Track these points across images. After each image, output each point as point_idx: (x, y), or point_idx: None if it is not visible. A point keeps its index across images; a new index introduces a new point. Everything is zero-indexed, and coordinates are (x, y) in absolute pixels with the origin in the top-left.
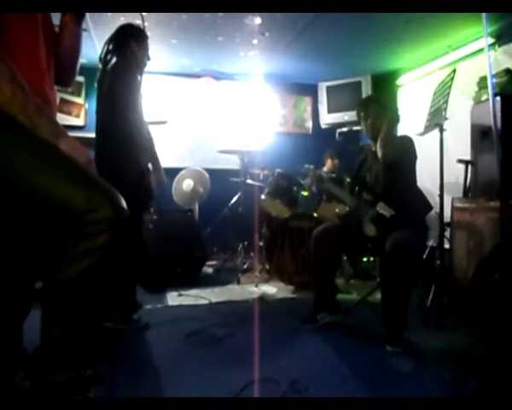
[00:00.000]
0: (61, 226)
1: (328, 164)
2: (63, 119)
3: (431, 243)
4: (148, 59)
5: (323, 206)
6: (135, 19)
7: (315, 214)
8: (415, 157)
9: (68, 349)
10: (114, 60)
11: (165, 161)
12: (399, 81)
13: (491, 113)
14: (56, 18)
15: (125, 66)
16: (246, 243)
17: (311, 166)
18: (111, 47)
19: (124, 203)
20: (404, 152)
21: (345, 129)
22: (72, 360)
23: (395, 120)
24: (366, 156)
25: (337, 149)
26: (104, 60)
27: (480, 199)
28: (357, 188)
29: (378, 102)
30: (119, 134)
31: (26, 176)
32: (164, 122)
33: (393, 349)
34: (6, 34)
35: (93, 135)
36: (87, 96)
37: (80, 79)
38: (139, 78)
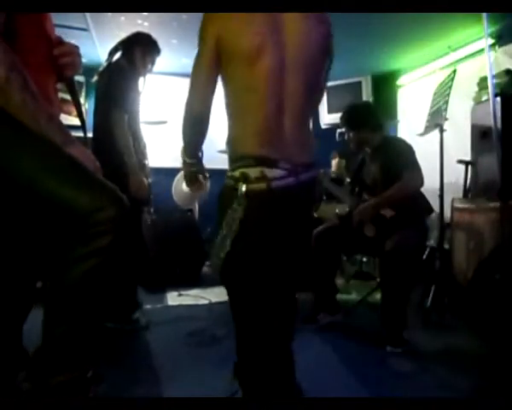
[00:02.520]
0: (67, 227)
1: (334, 164)
2: (63, 118)
3: (431, 243)
4: (150, 70)
5: (323, 206)
6: (135, 18)
7: (315, 214)
8: (413, 158)
9: (71, 350)
10: (118, 55)
11: (165, 161)
12: (400, 81)
13: (491, 113)
14: (56, 18)
15: (126, 64)
16: None
17: None
18: (120, 46)
19: (127, 204)
20: (403, 154)
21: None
22: (74, 361)
23: (379, 126)
24: (364, 157)
25: (343, 149)
26: (109, 55)
27: (481, 200)
28: (357, 189)
29: (356, 112)
30: (114, 132)
31: (32, 177)
32: (164, 122)
33: (393, 350)
34: (19, 39)
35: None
36: (87, 96)
37: (80, 78)
38: (139, 80)
